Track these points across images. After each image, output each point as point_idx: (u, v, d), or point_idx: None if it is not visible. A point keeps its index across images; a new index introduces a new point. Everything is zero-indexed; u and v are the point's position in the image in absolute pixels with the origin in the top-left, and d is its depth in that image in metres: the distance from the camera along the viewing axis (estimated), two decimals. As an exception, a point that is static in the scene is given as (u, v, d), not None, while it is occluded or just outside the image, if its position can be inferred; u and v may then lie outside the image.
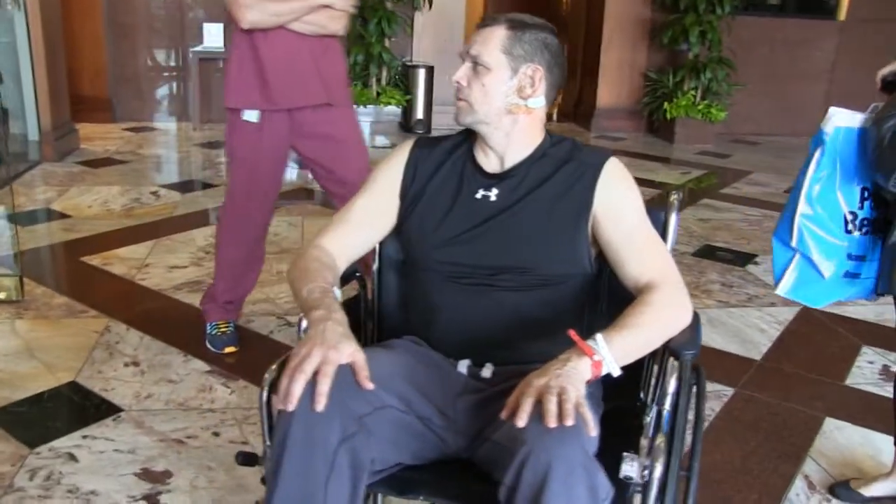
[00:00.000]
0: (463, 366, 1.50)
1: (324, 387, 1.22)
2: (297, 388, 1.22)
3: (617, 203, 1.50)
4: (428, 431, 1.42)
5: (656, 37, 7.28)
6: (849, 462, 2.36)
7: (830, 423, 2.56)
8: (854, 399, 2.75)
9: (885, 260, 1.90)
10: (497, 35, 1.48)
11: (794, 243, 1.95)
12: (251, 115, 2.57)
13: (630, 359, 1.32)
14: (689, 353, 1.35)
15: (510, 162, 1.55)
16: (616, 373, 1.29)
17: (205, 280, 3.43)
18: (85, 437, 2.31)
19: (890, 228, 1.88)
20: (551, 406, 1.17)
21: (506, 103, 1.49)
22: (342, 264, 1.55)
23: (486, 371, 1.49)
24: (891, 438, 2.16)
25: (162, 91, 7.16)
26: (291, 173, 5.36)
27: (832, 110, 1.92)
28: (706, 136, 7.26)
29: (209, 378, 2.67)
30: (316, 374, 1.24)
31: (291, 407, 1.22)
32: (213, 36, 6.49)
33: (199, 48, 6.49)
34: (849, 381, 2.89)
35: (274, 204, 2.78)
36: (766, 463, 2.33)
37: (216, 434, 2.35)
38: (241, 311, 2.98)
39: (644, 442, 1.41)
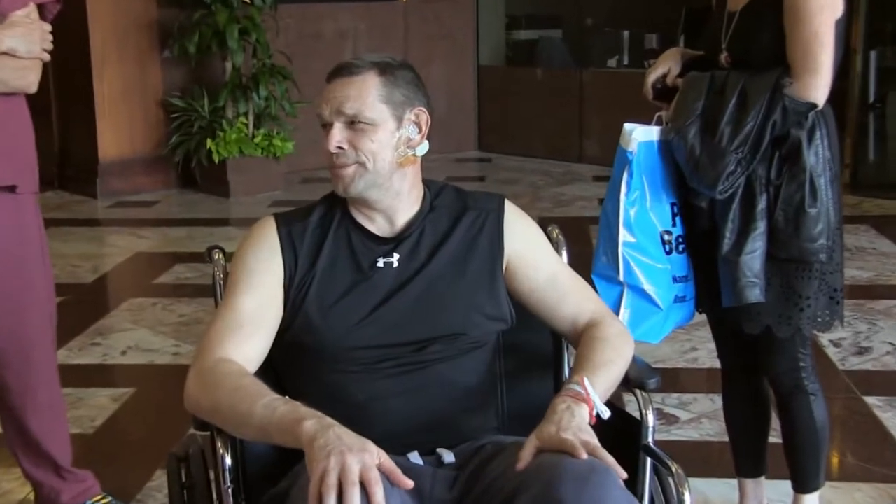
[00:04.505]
0: (416, 458, 1.60)
1: (380, 496, 1.28)
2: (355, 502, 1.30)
3: (530, 249, 1.70)
4: None
5: (174, 46, 5.88)
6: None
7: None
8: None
9: (725, 273, 2.05)
10: (370, 84, 1.58)
11: (621, 277, 2.08)
12: None
13: (606, 397, 1.53)
14: (652, 382, 1.63)
15: (401, 221, 1.66)
16: (605, 415, 1.48)
17: None
18: None
19: (717, 241, 2.05)
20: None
21: (396, 157, 1.60)
22: None
23: (448, 457, 1.60)
24: (713, 480, 2.63)
25: None
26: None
27: (628, 126, 2.06)
28: (273, 180, 6.12)
29: None
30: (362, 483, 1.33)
31: None
32: None
33: None
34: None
35: None
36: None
37: None
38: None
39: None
